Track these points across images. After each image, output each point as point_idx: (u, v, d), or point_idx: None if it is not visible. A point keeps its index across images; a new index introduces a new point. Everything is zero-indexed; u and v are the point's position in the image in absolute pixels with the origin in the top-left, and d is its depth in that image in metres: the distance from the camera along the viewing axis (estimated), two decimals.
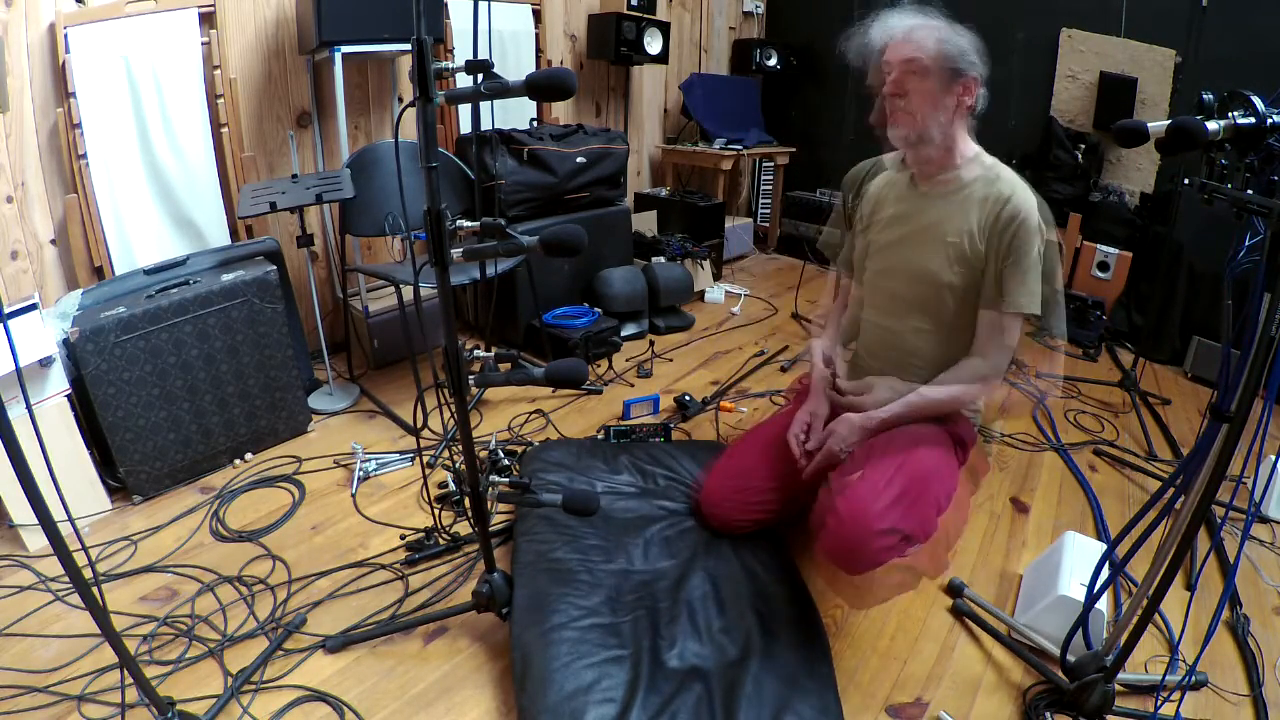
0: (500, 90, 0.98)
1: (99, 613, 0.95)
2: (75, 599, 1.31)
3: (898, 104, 1.34)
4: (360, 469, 1.90)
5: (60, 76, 1.94)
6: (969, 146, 1.40)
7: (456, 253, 1.06)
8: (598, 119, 3.70)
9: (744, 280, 3.75)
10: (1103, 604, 1.27)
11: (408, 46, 1.57)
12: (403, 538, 1.65)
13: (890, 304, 1.50)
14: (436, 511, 1.70)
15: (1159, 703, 1.21)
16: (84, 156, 1.99)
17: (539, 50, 3.21)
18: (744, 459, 1.62)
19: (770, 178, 4.33)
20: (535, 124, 2.95)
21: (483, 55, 1.10)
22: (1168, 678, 1.28)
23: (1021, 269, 1.31)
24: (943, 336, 1.44)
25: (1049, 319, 1.35)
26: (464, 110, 2.87)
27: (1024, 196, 1.33)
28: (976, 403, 1.51)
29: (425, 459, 1.96)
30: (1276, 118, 0.94)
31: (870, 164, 1.70)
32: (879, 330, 1.54)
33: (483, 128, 2.52)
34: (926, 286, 1.42)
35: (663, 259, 3.15)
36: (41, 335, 1.61)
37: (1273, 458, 1.84)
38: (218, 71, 2.22)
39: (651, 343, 2.82)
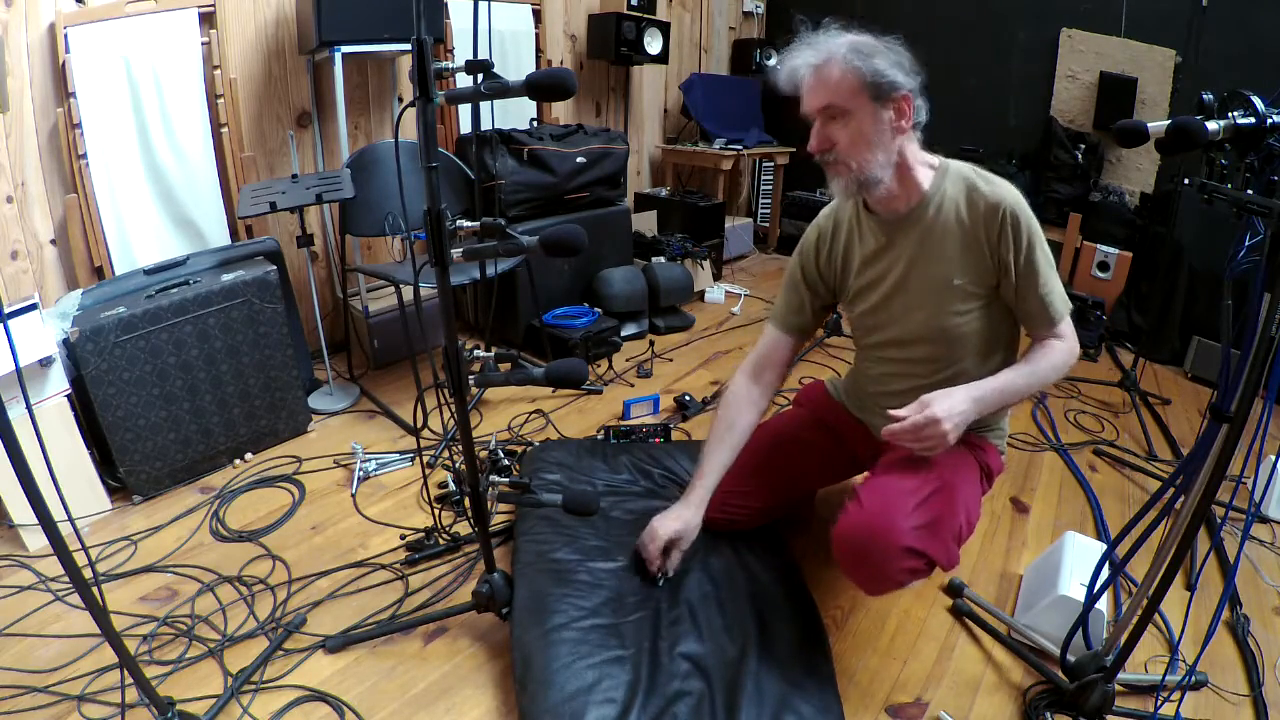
0: (500, 90, 0.98)
1: (99, 613, 0.95)
2: (75, 599, 1.31)
3: (828, 158, 1.21)
4: (360, 469, 1.90)
5: (60, 76, 1.94)
6: (923, 162, 1.26)
7: (456, 253, 1.06)
8: (598, 119, 3.70)
9: (744, 280, 3.75)
10: (1103, 604, 1.27)
11: (408, 46, 1.57)
12: (403, 538, 1.65)
13: (907, 368, 1.37)
14: (436, 511, 1.69)
15: (1159, 703, 1.21)
16: (84, 156, 1.99)
17: (539, 50, 3.21)
18: (736, 460, 1.59)
19: (770, 178, 4.33)
20: (535, 124, 2.95)
21: (483, 55, 1.10)
22: (1168, 678, 1.27)
23: (1042, 275, 1.21)
24: (978, 361, 1.32)
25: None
26: (464, 110, 2.87)
27: (1001, 190, 1.21)
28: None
29: (425, 459, 1.96)
30: (1276, 118, 0.94)
31: (825, 217, 1.43)
32: (900, 397, 1.33)
33: (483, 128, 2.52)
34: (941, 343, 1.30)
35: (663, 259, 3.15)
36: (41, 335, 1.61)
37: (1273, 458, 1.84)
38: (218, 71, 2.22)
39: (651, 343, 2.81)
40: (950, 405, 1.16)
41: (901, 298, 1.32)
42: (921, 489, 1.23)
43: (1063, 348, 1.25)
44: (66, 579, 1.24)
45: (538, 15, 3.19)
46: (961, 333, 1.29)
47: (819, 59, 1.17)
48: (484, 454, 1.91)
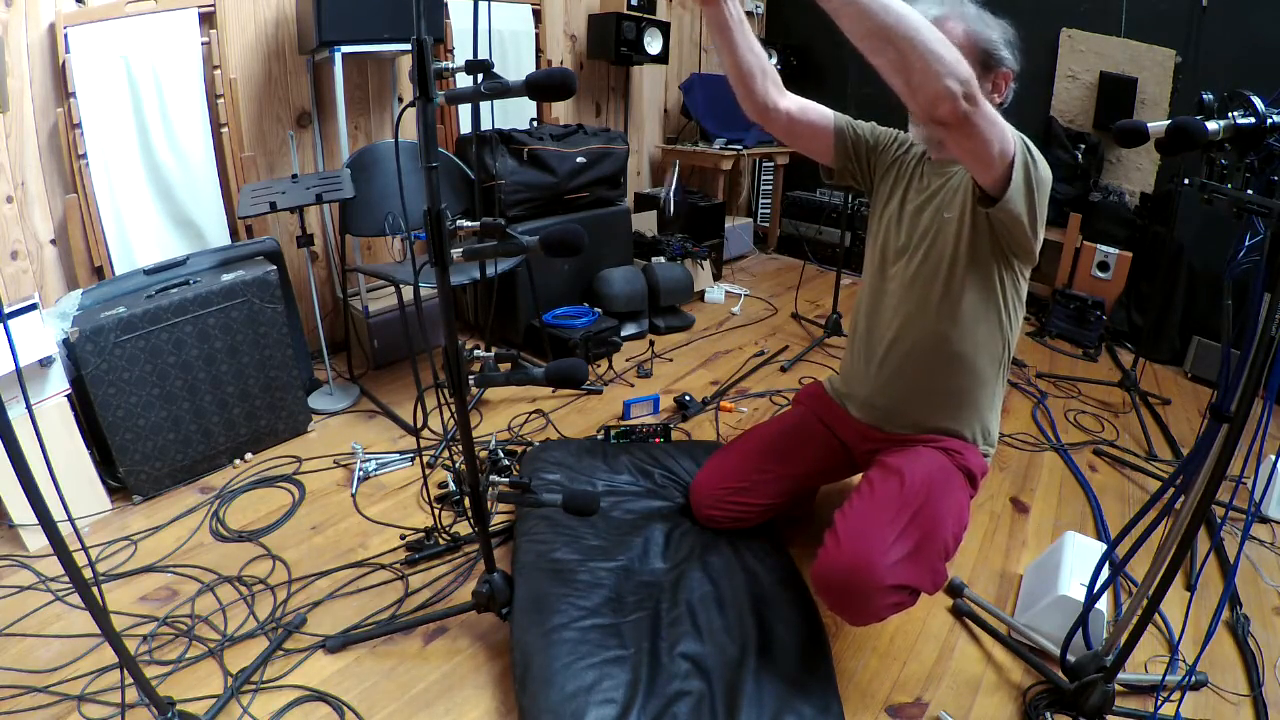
0: (500, 90, 0.98)
1: (99, 613, 0.95)
2: (75, 599, 1.31)
3: None
4: (360, 469, 1.90)
5: (60, 76, 1.93)
6: None
7: (456, 253, 1.06)
8: (598, 119, 3.70)
9: (744, 280, 3.75)
10: (1103, 604, 1.27)
11: (408, 46, 1.57)
12: (403, 538, 1.65)
13: (903, 289, 1.39)
14: (436, 511, 1.70)
15: (1159, 703, 1.22)
16: (84, 156, 1.99)
17: (539, 50, 3.21)
18: (736, 458, 1.62)
19: (770, 178, 4.33)
20: (535, 124, 2.95)
21: (483, 55, 1.11)
22: (1168, 678, 1.28)
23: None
24: (948, 311, 1.32)
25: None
26: (464, 110, 2.87)
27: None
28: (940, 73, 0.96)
29: (425, 459, 1.96)
30: (1276, 118, 0.93)
31: (912, 142, 1.50)
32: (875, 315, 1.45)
33: (483, 128, 2.52)
34: (919, 254, 1.34)
35: (663, 259, 3.15)
36: (41, 335, 1.61)
37: (1273, 458, 1.84)
38: (218, 71, 2.22)
39: (651, 343, 2.82)
40: None
41: (911, 222, 1.38)
42: (901, 515, 1.22)
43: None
44: (66, 579, 1.24)
45: (538, 15, 3.18)
46: (941, 250, 1.31)
47: (943, 11, 1.22)
48: (484, 454, 1.91)
